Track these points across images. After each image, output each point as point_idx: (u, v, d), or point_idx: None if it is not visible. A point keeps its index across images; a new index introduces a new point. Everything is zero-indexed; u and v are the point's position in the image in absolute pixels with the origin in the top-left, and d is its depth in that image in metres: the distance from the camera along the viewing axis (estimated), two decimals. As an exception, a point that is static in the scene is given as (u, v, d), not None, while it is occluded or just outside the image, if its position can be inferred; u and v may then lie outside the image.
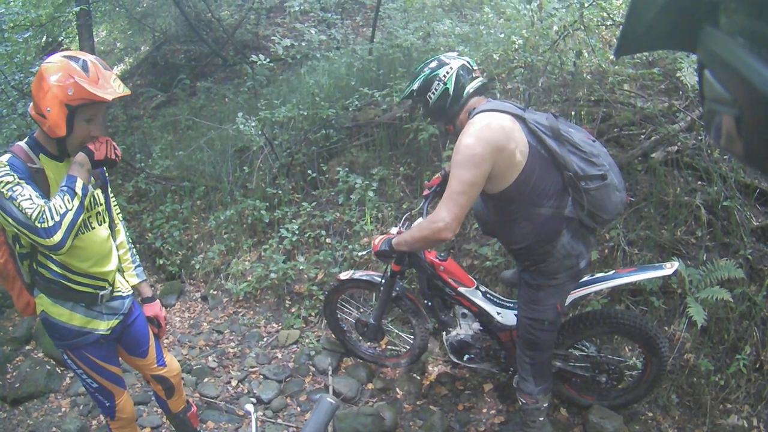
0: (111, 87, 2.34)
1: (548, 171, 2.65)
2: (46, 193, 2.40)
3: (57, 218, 2.24)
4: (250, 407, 1.89)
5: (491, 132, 2.53)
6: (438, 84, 2.80)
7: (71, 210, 2.29)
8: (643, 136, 4.50)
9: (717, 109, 0.63)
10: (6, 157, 2.36)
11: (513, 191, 2.65)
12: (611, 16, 5.02)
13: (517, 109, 2.70)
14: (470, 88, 2.80)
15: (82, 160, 2.41)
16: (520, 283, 3.10)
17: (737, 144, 0.61)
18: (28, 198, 2.23)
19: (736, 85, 0.59)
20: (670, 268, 3.13)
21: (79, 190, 2.35)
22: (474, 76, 2.84)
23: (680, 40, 0.71)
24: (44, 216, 2.22)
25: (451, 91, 2.78)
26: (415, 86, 2.88)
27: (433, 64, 2.86)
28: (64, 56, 2.34)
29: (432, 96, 2.83)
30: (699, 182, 4.25)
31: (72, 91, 2.25)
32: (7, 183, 2.24)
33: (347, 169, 5.66)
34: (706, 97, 0.65)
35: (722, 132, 0.63)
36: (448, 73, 2.79)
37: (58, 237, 2.24)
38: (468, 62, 2.85)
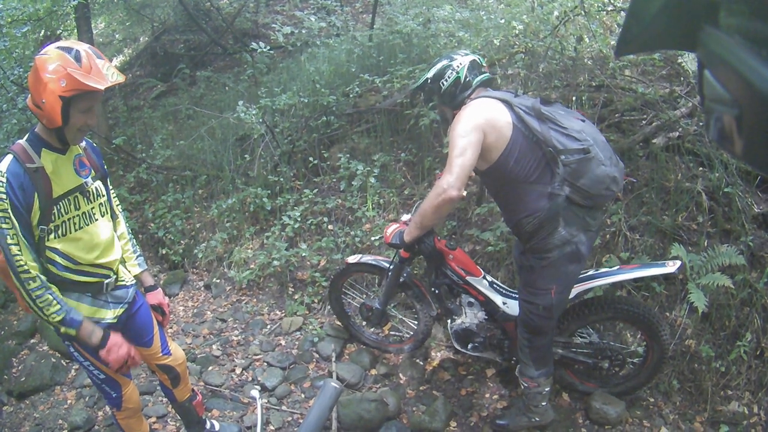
0: (104, 76, 2.35)
1: (530, 148, 2.84)
2: (47, 191, 2.43)
3: (40, 288, 2.43)
4: (255, 393, 1.91)
5: (481, 111, 2.85)
6: (451, 72, 3.08)
7: (46, 301, 2.44)
8: (644, 122, 4.49)
9: (717, 108, 0.63)
10: (5, 163, 2.39)
11: (498, 168, 2.89)
12: (612, 1, 5.00)
13: (508, 95, 2.98)
14: (479, 79, 3.08)
15: (93, 341, 2.58)
16: (519, 267, 3.25)
17: (737, 143, 0.61)
18: (16, 244, 2.38)
19: (736, 85, 0.59)
20: (672, 266, 3.18)
21: (70, 324, 2.50)
22: (483, 70, 3.13)
23: (680, 40, 0.71)
24: (33, 275, 2.42)
25: (462, 80, 3.07)
26: (430, 74, 3.16)
27: (448, 59, 3.15)
28: (58, 47, 2.35)
29: (444, 83, 3.10)
30: (700, 168, 4.24)
31: (65, 83, 2.27)
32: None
33: (348, 155, 5.66)
34: (706, 97, 0.66)
35: (722, 131, 0.63)
36: (460, 64, 3.08)
37: (30, 277, 2.41)
38: (478, 59, 3.15)
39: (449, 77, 3.08)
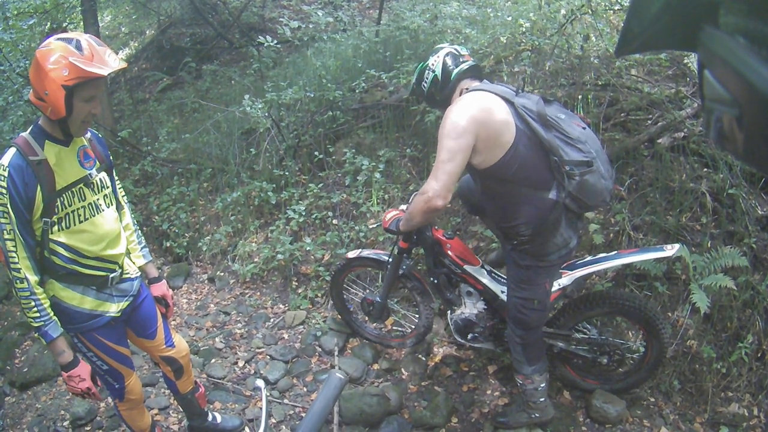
0: (106, 62, 2.36)
1: (534, 154, 2.73)
2: (50, 184, 2.44)
3: (25, 290, 2.45)
4: (260, 384, 1.92)
5: (475, 108, 2.67)
6: (428, 73, 3.04)
7: (27, 306, 2.48)
8: (649, 122, 4.48)
9: (717, 108, 0.63)
10: (8, 156, 2.40)
11: (498, 170, 2.75)
12: (619, 0, 4.99)
13: (509, 92, 2.80)
14: (457, 71, 2.97)
15: (60, 360, 2.61)
16: (507, 263, 3.21)
17: (737, 144, 0.62)
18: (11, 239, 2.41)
19: (736, 84, 0.59)
20: (671, 249, 3.20)
21: (43, 336, 2.53)
22: (461, 60, 3.00)
23: (680, 40, 0.71)
24: (22, 276, 2.44)
25: (439, 77, 3.00)
26: (414, 79, 3.16)
27: (427, 57, 3.10)
28: (58, 39, 2.35)
29: (425, 84, 3.07)
30: (705, 169, 4.23)
31: (67, 72, 2.27)
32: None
33: (354, 150, 5.67)
34: (706, 97, 0.66)
35: (722, 132, 0.64)
36: (435, 61, 3.02)
37: (19, 277, 2.44)
38: (456, 49, 3.05)
39: (428, 78, 3.04)
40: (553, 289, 3.25)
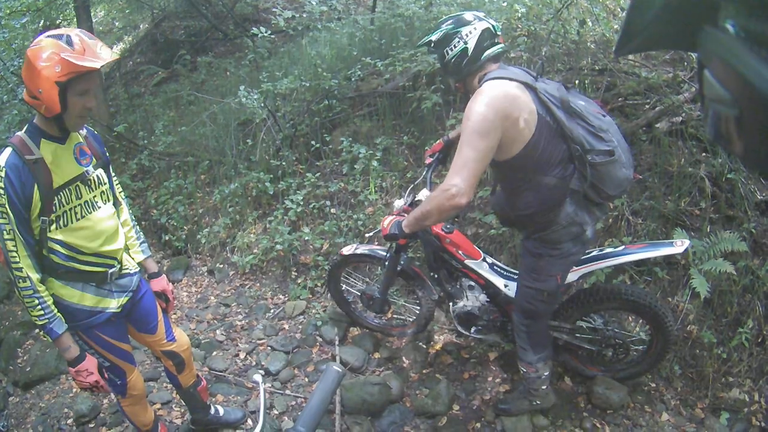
0: (97, 55, 2.33)
1: (555, 142, 2.64)
2: (47, 182, 2.43)
3: (28, 289, 2.44)
4: (258, 377, 1.92)
5: (501, 100, 2.51)
6: (458, 41, 2.73)
7: (31, 304, 2.47)
8: (647, 106, 4.46)
9: (716, 108, 0.63)
10: (4, 156, 2.38)
11: (520, 160, 2.65)
12: (615, -15, 4.97)
13: (529, 77, 2.67)
14: (490, 52, 2.74)
15: (66, 356, 2.61)
16: (522, 252, 3.13)
17: (737, 144, 0.61)
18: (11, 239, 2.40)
19: (736, 84, 0.59)
20: (680, 245, 3.07)
21: (48, 333, 2.53)
22: (496, 41, 2.76)
23: (680, 40, 0.71)
24: (24, 275, 2.44)
25: (470, 51, 2.73)
26: (434, 37, 2.82)
27: (457, 20, 2.78)
28: (48, 36, 2.33)
29: (449, 52, 2.77)
30: (703, 153, 4.22)
31: (59, 68, 2.24)
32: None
33: (351, 139, 5.67)
34: (706, 97, 0.65)
35: (722, 132, 0.63)
36: (470, 33, 2.71)
37: (21, 276, 2.44)
38: (493, 26, 2.75)
39: (455, 46, 2.73)
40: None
